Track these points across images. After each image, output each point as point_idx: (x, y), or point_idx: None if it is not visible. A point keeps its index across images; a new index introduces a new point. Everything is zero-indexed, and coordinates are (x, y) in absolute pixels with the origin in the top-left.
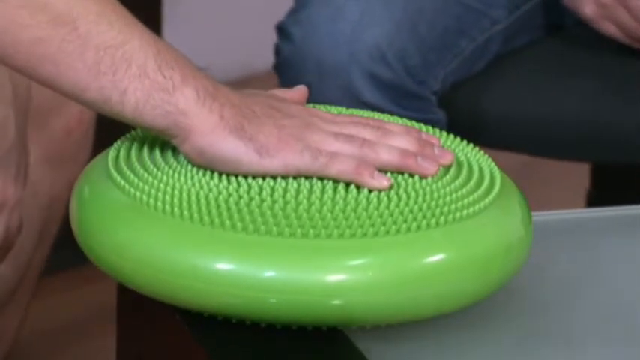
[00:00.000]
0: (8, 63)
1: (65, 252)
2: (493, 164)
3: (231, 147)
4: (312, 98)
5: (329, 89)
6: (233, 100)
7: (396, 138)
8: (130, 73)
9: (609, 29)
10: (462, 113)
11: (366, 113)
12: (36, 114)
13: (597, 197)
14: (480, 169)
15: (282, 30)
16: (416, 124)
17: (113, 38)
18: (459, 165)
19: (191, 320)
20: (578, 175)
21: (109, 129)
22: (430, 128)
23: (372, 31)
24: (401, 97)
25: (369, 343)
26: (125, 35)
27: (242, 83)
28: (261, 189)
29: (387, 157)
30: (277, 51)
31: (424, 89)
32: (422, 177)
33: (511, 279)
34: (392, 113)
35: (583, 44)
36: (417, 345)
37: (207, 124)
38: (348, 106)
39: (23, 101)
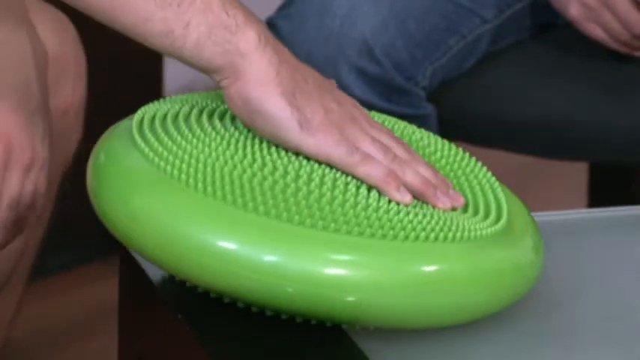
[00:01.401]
0: None
1: (67, 253)
2: (499, 189)
3: (278, 108)
4: None
5: None
6: (291, 61)
7: (421, 166)
8: (195, 6)
9: (594, 31)
10: (451, 111)
11: (399, 126)
12: None
13: (597, 197)
14: (486, 200)
15: (271, 25)
16: (434, 139)
17: None
18: (473, 202)
19: (192, 320)
20: (579, 175)
21: (96, 117)
22: (446, 142)
23: (360, 26)
24: (389, 92)
25: (370, 342)
26: None
27: None
28: (286, 172)
29: (411, 178)
30: None
31: (412, 85)
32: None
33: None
34: (381, 108)
35: (572, 45)
36: (418, 345)
37: (262, 75)
38: None
39: (43, 64)
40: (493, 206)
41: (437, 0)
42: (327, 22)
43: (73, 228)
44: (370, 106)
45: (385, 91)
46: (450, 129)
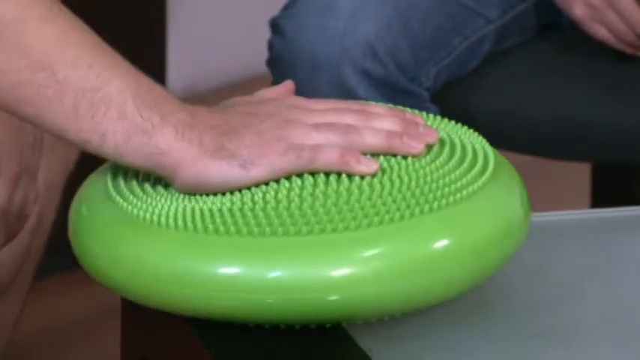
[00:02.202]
0: None
1: (68, 252)
2: (486, 143)
3: (214, 170)
4: (305, 94)
5: (321, 84)
6: (211, 122)
7: (379, 120)
8: (109, 115)
9: (599, 32)
10: (455, 111)
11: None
12: None
13: (600, 198)
14: (473, 149)
15: (274, 25)
16: (401, 107)
17: (91, 82)
18: (452, 146)
19: (194, 321)
20: (582, 175)
21: None
22: (416, 111)
23: (364, 27)
24: (393, 93)
25: (372, 343)
26: (104, 78)
27: (247, 84)
28: (253, 195)
29: (372, 139)
30: (270, 46)
31: (416, 86)
32: (410, 156)
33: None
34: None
35: (576, 45)
36: (419, 344)
37: (188, 157)
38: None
39: None
40: (480, 154)
41: (441, 1)
42: (331, 22)
43: None
44: None
45: (389, 91)
46: None
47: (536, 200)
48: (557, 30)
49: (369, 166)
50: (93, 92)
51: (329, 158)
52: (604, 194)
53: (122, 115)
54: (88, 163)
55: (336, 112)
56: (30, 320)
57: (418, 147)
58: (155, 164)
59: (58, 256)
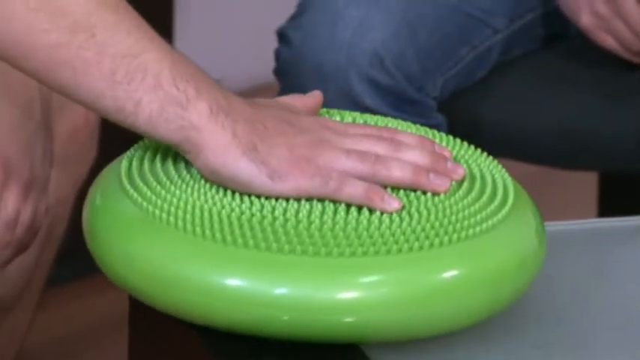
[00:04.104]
0: (24, 67)
1: (78, 261)
2: (506, 174)
3: (243, 169)
4: None
5: (328, 94)
6: (246, 115)
7: (409, 152)
8: (145, 84)
9: (606, 41)
10: (462, 121)
11: (380, 121)
12: None
13: (607, 207)
14: (494, 181)
15: (282, 35)
16: (430, 132)
17: (129, 48)
18: (472, 177)
19: (203, 331)
20: (589, 184)
21: (116, 132)
22: (444, 136)
23: (371, 36)
24: (400, 102)
25: (381, 354)
26: (142, 45)
27: (253, 93)
28: (273, 208)
29: (399, 174)
30: (277, 55)
31: (423, 95)
32: (434, 194)
33: (526, 291)
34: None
35: (583, 55)
36: (428, 356)
37: (219, 142)
38: (347, 111)
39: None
40: (500, 187)
41: (448, 10)
42: (339, 32)
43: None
44: (380, 115)
45: (396, 101)
46: (461, 139)
47: (542, 210)
48: (565, 40)
49: (391, 204)
50: (131, 58)
51: (354, 192)
52: (611, 203)
53: (158, 84)
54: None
55: (368, 139)
56: (38, 329)
57: (443, 186)
58: (185, 139)
59: (67, 265)
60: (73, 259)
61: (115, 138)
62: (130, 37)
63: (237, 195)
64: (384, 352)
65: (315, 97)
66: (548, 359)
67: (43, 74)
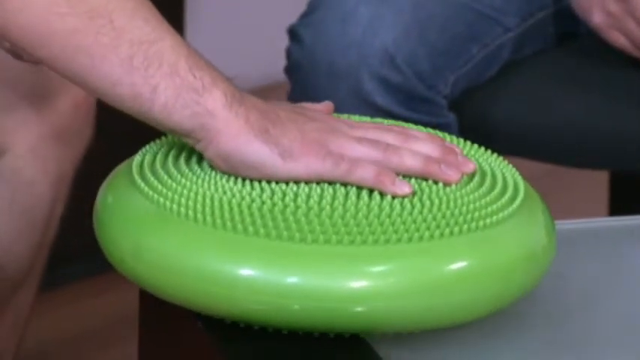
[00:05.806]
0: (40, 55)
1: (89, 260)
2: (516, 172)
3: (255, 150)
4: (322, 101)
5: (339, 92)
6: (258, 105)
7: (419, 143)
8: (162, 70)
9: (618, 40)
10: (472, 119)
11: (388, 122)
12: (44, 91)
13: (619, 206)
14: (504, 178)
15: (293, 33)
16: (439, 133)
17: (147, 34)
18: (483, 173)
19: (213, 328)
20: (600, 183)
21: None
22: (454, 138)
23: (382, 35)
24: (411, 101)
25: (389, 349)
26: (158, 33)
27: (264, 92)
28: (284, 194)
29: (410, 162)
30: (288, 54)
31: (434, 94)
32: (445, 184)
33: (534, 287)
34: (402, 117)
35: (594, 53)
36: (437, 352)
37: (233, 128)
38: (358, 109)
39: None
40: (510, 183)
41: (459, 9)
42: (349, 30)
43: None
44: (391, 115)
45: (407, 99)
46: (472, 137)
47: (553, 208)
48: (576, 38)
49: (402, 188)
50: (148, 45)
51: (365, 174)
52: (622, 202)
53: (174, 71)
54: (92, 162)
55: (379, 130)
56: (46, 329)
57: (454, 176)
58: (199, 125)
59: (73, 265)
60: (78, 260)
61: (112, 120)
62: (148, 24)
63: (247, 182)
64: (392, 346)
65: (327, 105)
66: (558, 356)
67: (59, 61)
